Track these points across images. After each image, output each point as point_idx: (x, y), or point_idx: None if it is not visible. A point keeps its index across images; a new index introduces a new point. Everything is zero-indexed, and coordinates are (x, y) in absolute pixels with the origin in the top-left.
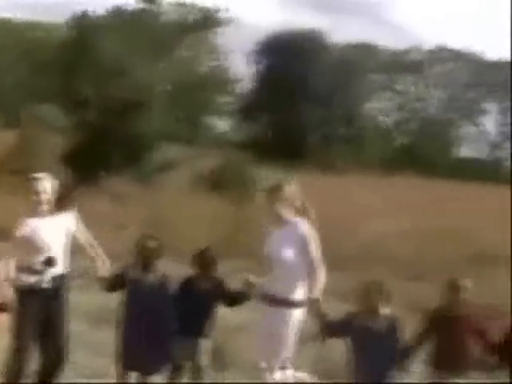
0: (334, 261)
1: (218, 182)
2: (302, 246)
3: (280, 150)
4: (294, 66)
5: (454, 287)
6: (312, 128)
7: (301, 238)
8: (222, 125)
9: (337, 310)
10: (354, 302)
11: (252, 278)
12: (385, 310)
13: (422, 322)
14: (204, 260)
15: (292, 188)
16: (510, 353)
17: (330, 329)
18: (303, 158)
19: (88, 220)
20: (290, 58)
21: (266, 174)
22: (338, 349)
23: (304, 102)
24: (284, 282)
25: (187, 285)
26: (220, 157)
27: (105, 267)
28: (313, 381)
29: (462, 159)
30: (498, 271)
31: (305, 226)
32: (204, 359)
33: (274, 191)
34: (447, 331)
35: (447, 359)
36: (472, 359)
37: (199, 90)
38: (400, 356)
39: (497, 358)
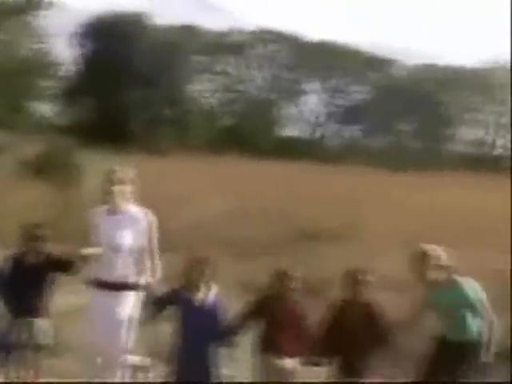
0: (161, 243)
1: (43, 168)
2: (141, 233)
3: (105, 134)
4: (117, 48)
5: (282, 276)
6: (137, 110)
7: (140, 224)
8: (45, 109)
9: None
10: (179, 278)
11: (84, 251)
12: (210, 287)
13: (248, 304)
14: (32, 235)
15: (127, 173)
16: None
17: (159, 302)
18: (128, 141)
19: None
20: (113, 41)
21: (91, 158)
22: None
23: (128, 84)
24: (120, 267)
25: (17, 262)
26: (44, 142)
27: None
28: (147, 364)
29: (285, 139)
30: (321, 247)
31: (144, 213)
32: (42, 338)
33: (110, 176)
34: (273, 317)
35: (272, 344)
36: (300, 347)
37: (20, 75)
38: (223, 332)
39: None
